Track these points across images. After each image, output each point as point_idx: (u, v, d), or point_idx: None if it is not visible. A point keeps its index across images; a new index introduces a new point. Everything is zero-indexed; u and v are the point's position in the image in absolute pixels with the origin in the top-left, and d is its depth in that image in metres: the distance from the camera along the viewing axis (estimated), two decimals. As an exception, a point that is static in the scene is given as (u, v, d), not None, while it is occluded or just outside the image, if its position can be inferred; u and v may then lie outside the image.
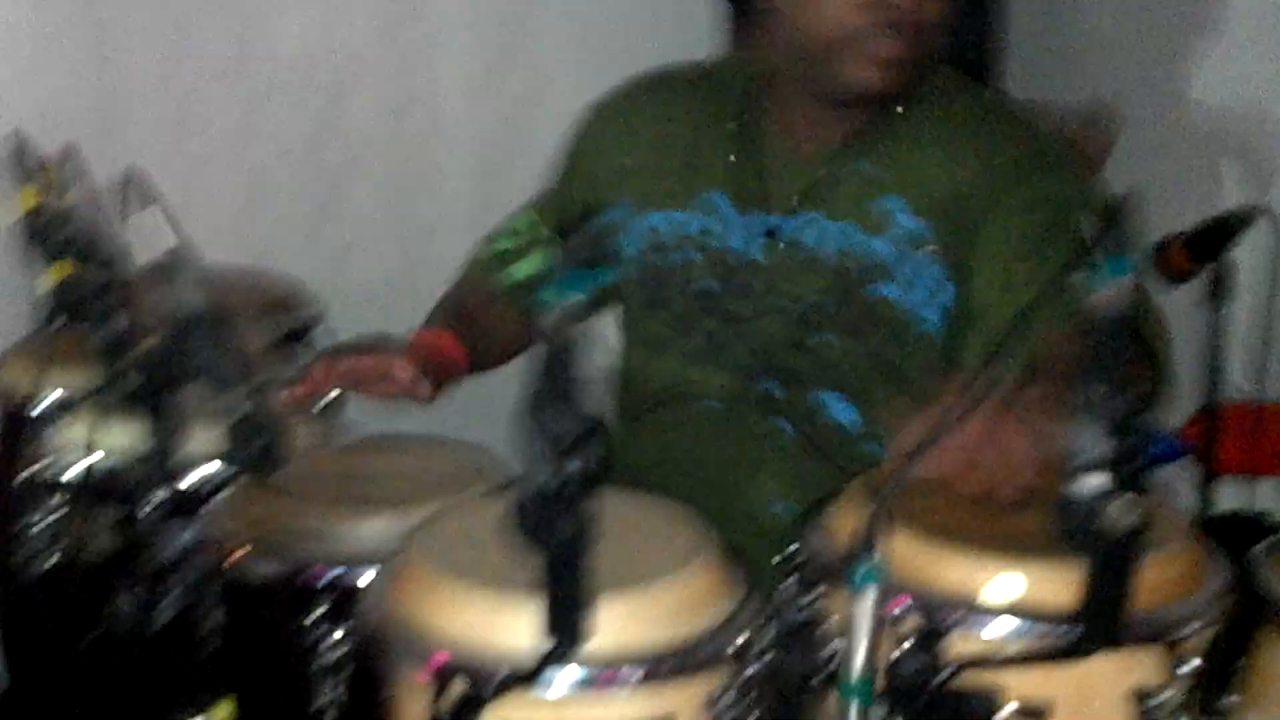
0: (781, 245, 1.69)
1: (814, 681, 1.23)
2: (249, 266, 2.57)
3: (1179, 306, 2.30)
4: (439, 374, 1.70)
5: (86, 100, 2.87)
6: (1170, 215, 2.40)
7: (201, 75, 2.95)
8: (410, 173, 3.11)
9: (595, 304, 1.83)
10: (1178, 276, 2.43)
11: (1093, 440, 1.11)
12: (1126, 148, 2.80)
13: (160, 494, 1.49)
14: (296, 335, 2.35)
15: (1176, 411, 2.79)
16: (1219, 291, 2.39)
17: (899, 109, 1.67)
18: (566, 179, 1.88)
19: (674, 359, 1.76)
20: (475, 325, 1.83)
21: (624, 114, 1.84)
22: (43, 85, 2.83)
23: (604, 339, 1.97)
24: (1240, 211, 2.36)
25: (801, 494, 1.58)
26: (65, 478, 1.71)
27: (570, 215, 1.82)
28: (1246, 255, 2.38)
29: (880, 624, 1.05)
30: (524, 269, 1.89)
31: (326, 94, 3.02)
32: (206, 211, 2.85)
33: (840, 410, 1.68)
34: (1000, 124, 1.69)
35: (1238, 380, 2.45)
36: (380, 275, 3.13)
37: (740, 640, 1.16)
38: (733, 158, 1.73)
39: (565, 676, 1.08)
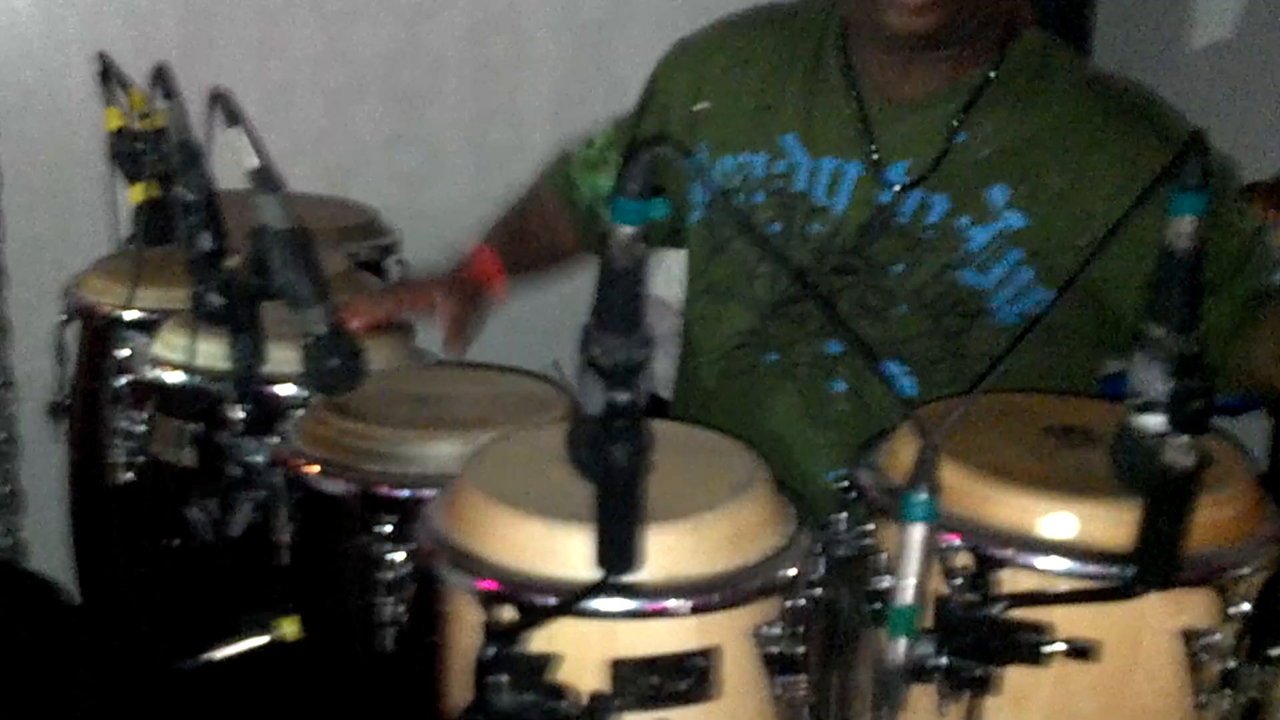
0: (871, 205, 1.65)
1: (862, 616, 1.24)
2: (325, 194, 2.62)
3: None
4: (480, 292, 1.75)
5: (171, 23, 2.91)
6: (1250, 164, 2.34)
7: (284, -2, 2.98)
8: (488, 97, 3.12)
9: (660, 240, 1.86)
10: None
11: (1153, 379, 1.11)
12: (1206, 94, 2.72)
13: (238, 410, 1.54)
14: (372, 263, 2.39)
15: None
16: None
17: (992, 73, 1.62)
18: (642, 113, 1.87)
19: (738, 307, 1.74)
20: (526, 236, 1.86)
21: (703, 56, 1.82)
22: (129, 7, 2.88)
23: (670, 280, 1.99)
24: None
25: (846, 454, 1.56)
26: (146, 392, 1.75)
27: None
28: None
29: (929, 559, 1.06)
30: (591, 183, 1.90)
31: (405, 16, 3.03)
32: (286, 135, 2.90)
33: (902, 382, 1.65)
34: (1128, 115, 1.60)
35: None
36: (457, 202, 3.14)
37: (789, 573, 1.17)
38: (808, 101, 1.70)
39: (613, 606, 1.10)
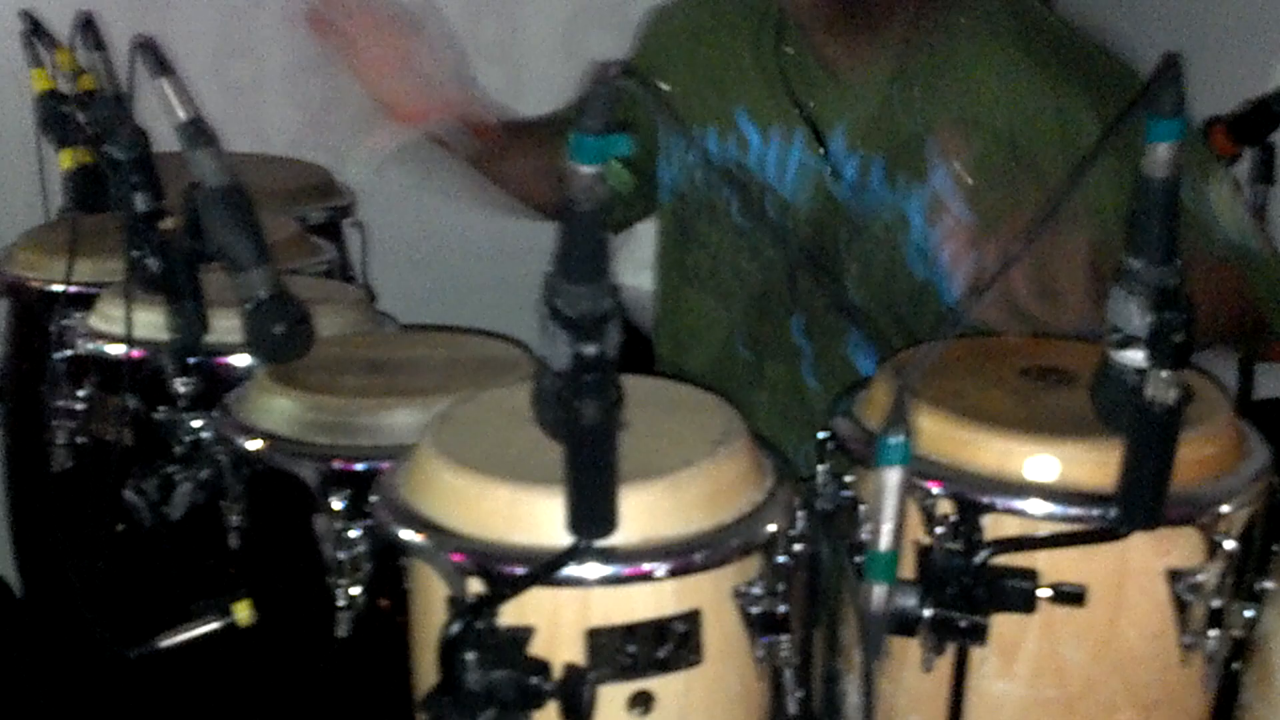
0: (819, 192, 1.63)
1: (845, 570, 1.20)
2: (277, 155, 2.54)
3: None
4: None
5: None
6: (1213, 98, 2.32)
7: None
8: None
9: (634, 214, 1.82)
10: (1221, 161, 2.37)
11: (1132, 314, 1.07)
12: (1169, 31, 2.70)
13: (180, 383, 1.47)
14: (326, 226, 2.31)
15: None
16: (1263, 175, 2.32)
17: (934, 29, 1.57)
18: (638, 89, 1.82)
19: (708, 296, 1.72)
20: (524, 130, 1.80)
21: (667, 30, 1.78)
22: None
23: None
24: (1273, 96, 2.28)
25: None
26: (85, 368, 1.68)
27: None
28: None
29: (906, 504, 1.02)
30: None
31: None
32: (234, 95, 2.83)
33: (865, 364, 1.63)
34: (1051, 54, 1.55)
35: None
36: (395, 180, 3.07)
37: (770, 530, 1.13)
38: (762, 80, 1.66)
39: (588, 572, 1.05)
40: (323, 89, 2.98)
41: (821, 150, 1.62)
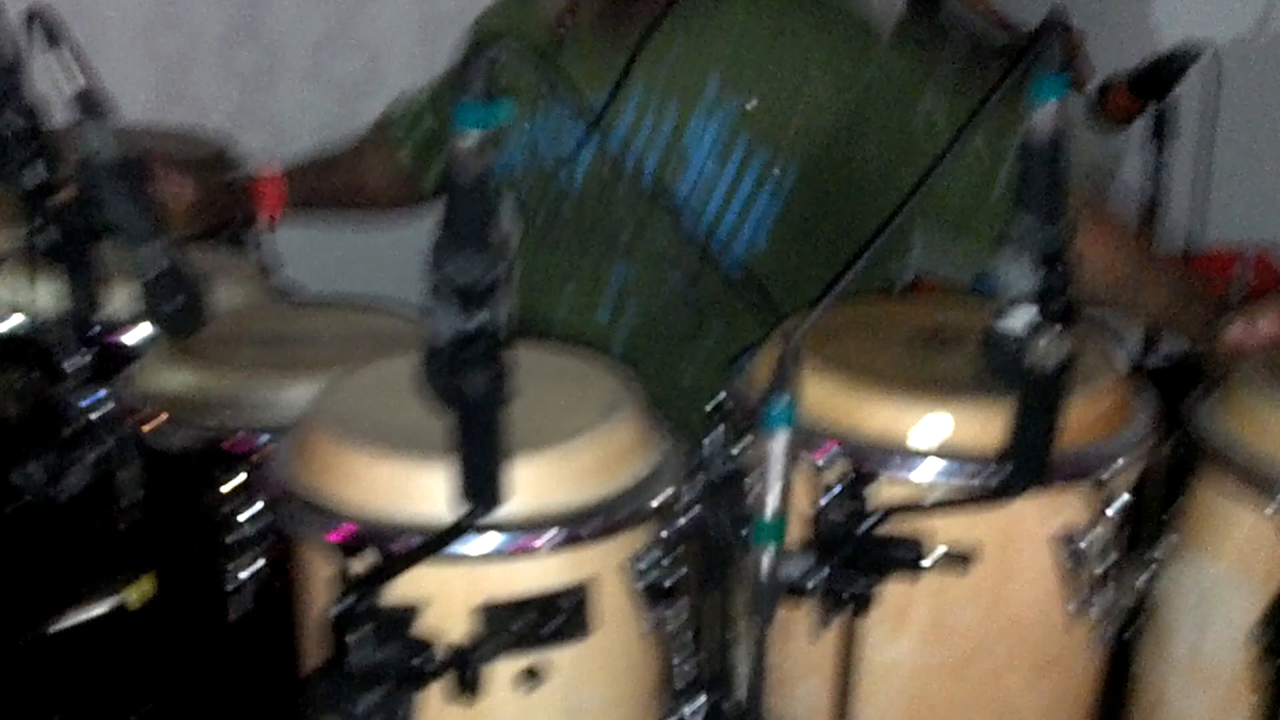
0: (598, 158, 1.65)
1: (737, 539, 1.20)
2: (177, 125, 2.49)
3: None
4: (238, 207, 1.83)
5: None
6: (1111, 56, 2.35)
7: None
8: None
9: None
10: (1121, 118, 2.39)
11: (1021, 272, 1.07)
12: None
13: (76, 357, 1.44)
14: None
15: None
16: (1161, 131, 2.35)
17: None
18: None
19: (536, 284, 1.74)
20: (324, 170, 1.93)
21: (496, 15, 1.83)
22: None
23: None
24: (1183, 49, 2.30)
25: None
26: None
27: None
28: (1188, 95, 2.33)
29: (792, 466, 1.02)
30: (414, 137, 1.94)
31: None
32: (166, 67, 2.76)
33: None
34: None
35: (1179, 222, 2.42)
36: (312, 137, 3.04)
37: (663, 496, 1.13)
38: (540, 51, 1.69)
39: (480, 543, 1.04)
40: (256, 60, 2.96)
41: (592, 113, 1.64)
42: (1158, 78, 2.32)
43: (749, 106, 1.57)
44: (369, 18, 3.01)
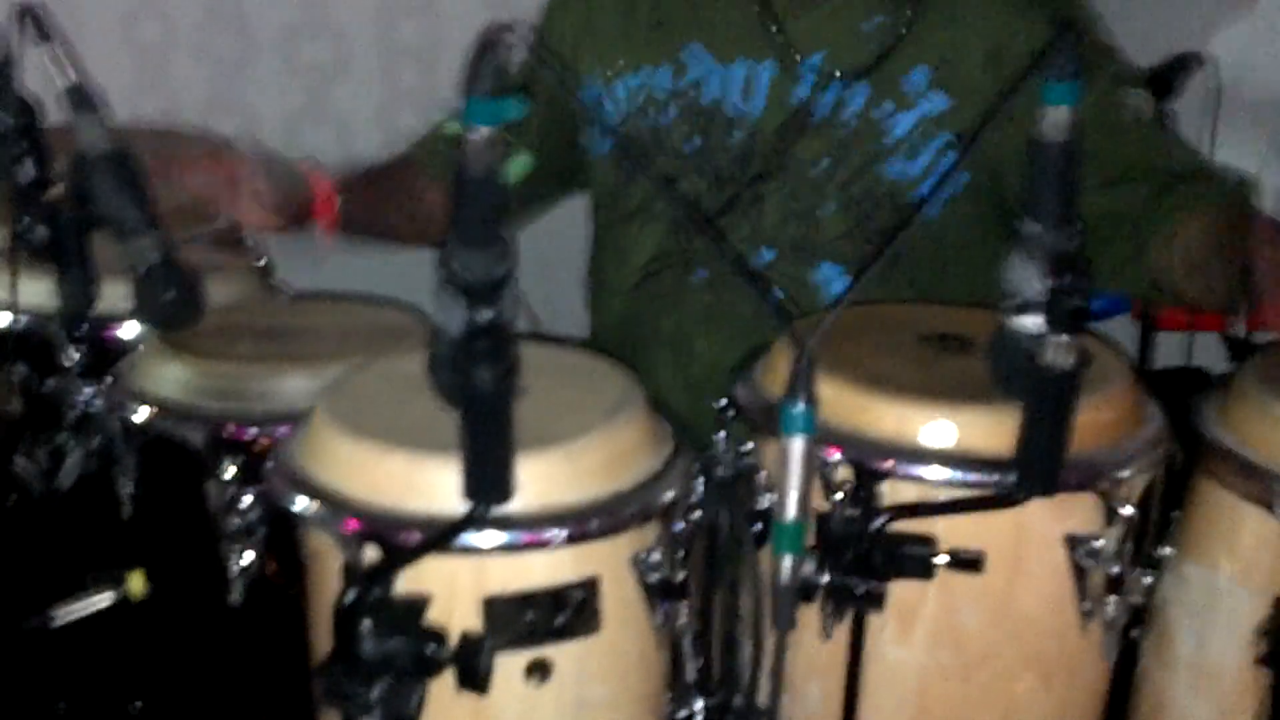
0: (788, 104, 1.61)
1: (744, 537, 1.20)
2: (176, 123, 2.47)
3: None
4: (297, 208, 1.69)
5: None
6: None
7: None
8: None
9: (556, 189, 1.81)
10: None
11: (1030, 279, 1.07)
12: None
13: (70, 351, 1.43)
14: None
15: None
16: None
17: None
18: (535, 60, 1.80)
19: (660, 227, 1.69)
20: (377, 185, 1.79)
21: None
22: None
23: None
24: (1180, 59, 2.31)
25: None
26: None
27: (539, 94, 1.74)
28: (1183, 106, 2.34)
29: (810, 474, 1.02)
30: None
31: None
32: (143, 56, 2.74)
33: (838, 285, 1.61)
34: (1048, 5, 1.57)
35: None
36: (308, 146, 3.03)
37: (668, 497, 1.12)
38: (708, 6, 1.65)
39: (485, 540, 1.03)
40: (233, 49, 2.95)
41: (796, 75, 1.61)
42: (1155, 88, 2.32)
43: (951, 106, 1.55)
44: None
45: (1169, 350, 2.65)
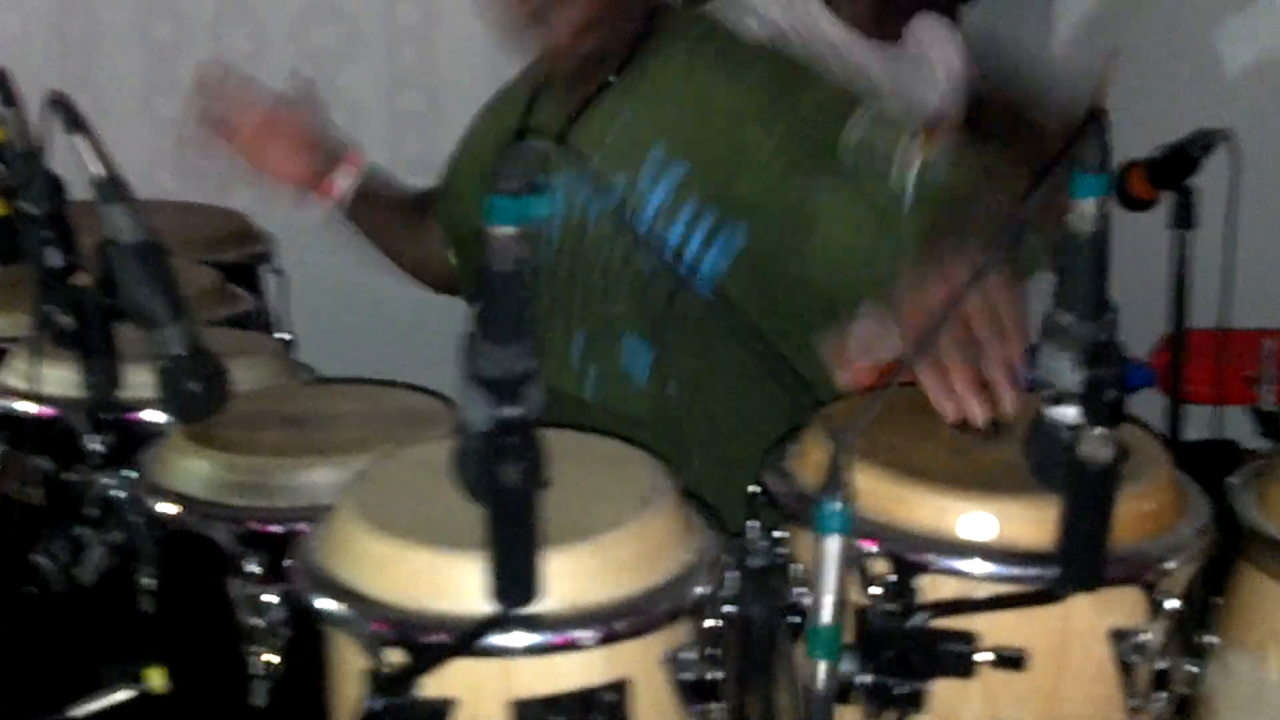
0: (577, 205, 1.68)
1: (779, 630, 1.17)
2: (195, 201, 2.48)
3: (1143, 234, 2.25)
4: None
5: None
6: (1129, 141, 2.34)
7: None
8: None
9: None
10: (1139, 204, 2.38)
11: (1063, 369, 1.05)
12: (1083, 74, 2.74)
13: (94, 441, 1.42)
14: (243, 272, 2.26)
15: (1143, 340, 2.77)
16: (1182, 218, 2.34)
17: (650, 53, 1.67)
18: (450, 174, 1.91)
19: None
20: (396, 200, 1.91)
21: (491, 105, 1.88)
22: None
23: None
24: (1201, 137, 2.30)
25: None
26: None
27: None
28: (1208, 181, 2.33)
29: (848, 574, 0.99)
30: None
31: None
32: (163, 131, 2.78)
33: (642, 354, 1.66)
34: (744, 59, 1.65)
35: (1203, 307, 2.41)
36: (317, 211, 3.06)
37: (702, 591, 1.10)
38: (519, 118, 1.75)
39: (511, 641, 1.01)
40: (246, 41, 2.99)
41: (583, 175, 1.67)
42: (1176, 166, 2.32)
43: (685, 171, 1.61)
44: None
45: (1198, 422, 2.62)
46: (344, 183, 1.85)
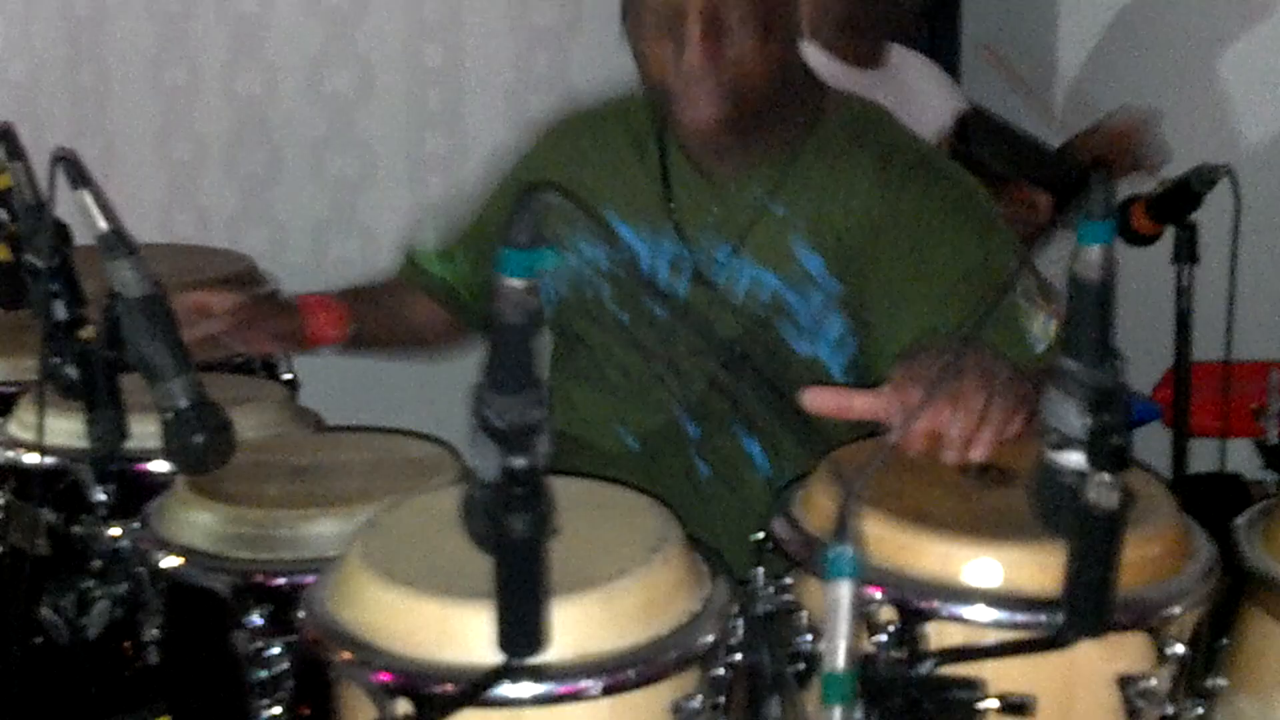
0: (695, 280, 1.65)
1: (786, 677, 1.17)
2: (199, 245, 2.51)
3: (1146, 268, 2.26)
4: (306, 330, 1.69)
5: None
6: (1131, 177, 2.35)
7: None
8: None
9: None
10: (1141, 239, 2.39)
11: (1068, 415, 1.05)
12: (1086, 111, 2.75)
13: (99, 493, 1.43)
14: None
15: (1147, 374, 2.77)
16: (1184, 253, 2.34)
17: (809, 145, 1.62)
18: (495, 199, 1.83)
19: (594, 392, 1.72)
20: (375, 300, 1.82)
21: (549, 148, 1.80)
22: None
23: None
24: (1202, 172, 2.31)
25: (715, 536, 1.39)
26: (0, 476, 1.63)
27: (486, 235, 1.79)
28: (1210, 215, 2.33)
29: (859, 621, 0.99)
30: (442, 269, 1.86)
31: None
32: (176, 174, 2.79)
33: (755, 453, 1.65)
34: (905, 165, 1.61)
35: (1206, 340, 2.41)
36: (335, 255, 3.07)
37: (708, 640, 1.10)
38: (637, 188, 1.69)
39: (520, 691, 1.01)
40: (262, 167, 3.02)
41: (712, 259, 1.65)
42: (1178, 201, 2.32)
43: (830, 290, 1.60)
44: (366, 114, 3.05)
45: (1202, 456, 2.62)
46: (330, 329, 1.74)
